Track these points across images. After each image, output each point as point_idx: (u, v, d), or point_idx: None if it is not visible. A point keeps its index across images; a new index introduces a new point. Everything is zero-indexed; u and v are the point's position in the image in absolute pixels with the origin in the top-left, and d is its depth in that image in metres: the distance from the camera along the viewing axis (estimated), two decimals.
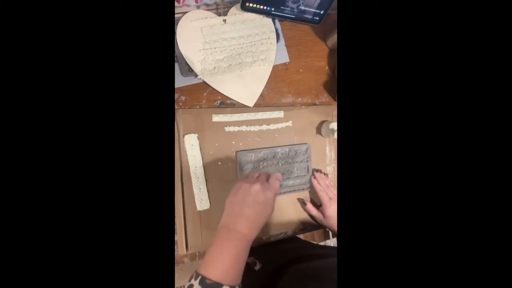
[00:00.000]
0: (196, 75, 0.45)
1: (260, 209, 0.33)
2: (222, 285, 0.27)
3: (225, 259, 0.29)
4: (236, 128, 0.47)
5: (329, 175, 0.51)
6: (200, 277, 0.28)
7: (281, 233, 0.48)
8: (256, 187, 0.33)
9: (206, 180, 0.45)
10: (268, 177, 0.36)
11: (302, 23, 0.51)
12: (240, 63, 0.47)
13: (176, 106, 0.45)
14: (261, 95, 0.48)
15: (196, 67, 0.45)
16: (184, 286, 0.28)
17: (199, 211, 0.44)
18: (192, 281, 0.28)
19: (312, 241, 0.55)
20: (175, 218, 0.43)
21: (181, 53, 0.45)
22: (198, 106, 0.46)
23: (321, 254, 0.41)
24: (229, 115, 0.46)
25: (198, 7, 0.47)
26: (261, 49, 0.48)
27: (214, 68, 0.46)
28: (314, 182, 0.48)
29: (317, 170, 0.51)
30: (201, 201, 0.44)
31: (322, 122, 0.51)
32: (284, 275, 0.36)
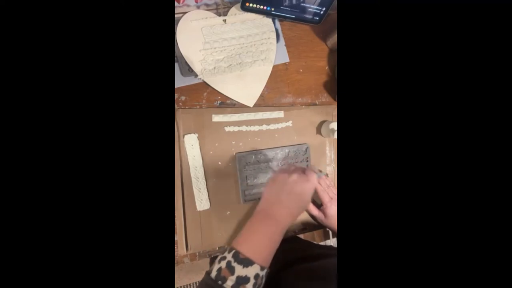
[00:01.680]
0: (196, 75, 0.45)
1: (296, 199, 0.33)
2: (254, 262, 0.28)
3: (260, 240, 0.30)
4: (236, 128, 0.47)
5: (329, 175, 0.51)
6: (234, 251, 0.29)
7: None
8: (294, 177, 0.34)
9: (206, 180, 0.45)
10: (304, 170, 0.37)
11: (302, 23, 0.51)
12: (240, 63, 0.47)
13: (176, 106, 0.45)
14: (261, 95, 0.48)
15: (196, 67, 0.45)
16: (217, 257, 0.30)
17: (199, 211, 0.44)
18: (226, 254, 0.29)
19: (312, 241, 0.55)
20: (175, 218, 0.43)
21: (181, 53, 0.45)
22: (198, 106, 0.46)
23: (323, 254, 0.42)
24: (229, 115, 0.46)
25: (198, 7, 0.47)
26: (261, 49, 0.48)
27: (214, 68, 0.46)
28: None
29: (319, 171, 0.51)
30: (201, 201, 0.44)
31: (322, 122, 0.51)
32: (286, 275, 0.36)
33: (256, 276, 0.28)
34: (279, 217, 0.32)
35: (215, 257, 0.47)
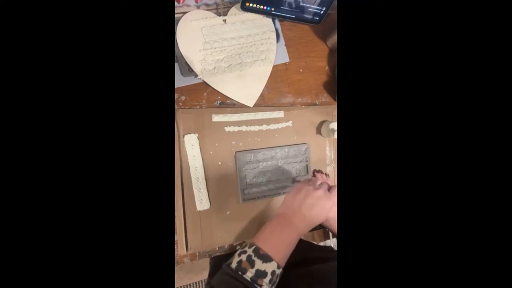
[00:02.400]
0: (196, 75, 0.45)
1: (316, 213, 0.35)
2: (272, 259, 0.30)
3: (279, 241, 0.32)
4: (236, 128, 0.47)
5: (329, 175, 0.51)
6: (255, 246, 0.31)
7: None
8: (320, 193, 0.35)
9: (206, 180, 0.45)
10: (329, 187, 0.38)
11: (302, 23, 0.51)
12: (240, 63, 0.47)
13: (176, 106, 0.45)
14: (261, 95, 0.48)
15: (196, 67, 0.45)
16: (237, 248, 0.32)
17: (199, 211, 0.44)
18: (246, 248, 0.31)
19: (312, 241, 0.55)
20: (175, 218, 0.43)
21: (181, 53, 0.45)
22: (198, 106, 0.46)
23: (323, 257, 0.42)
24: (229, 115, 0.46)
25: (198, 7, 0.47)
26: (261, 49, 0.48)
27: (214, 68, 0.46)
28: None
29: (318, 171, 0.51)
30: (201, 201, 0.44)
31: (322, 122, 0.51)
32: (287, 277, 0.37)
33: (273, 272, 0.29)
34: (298, 224, 0.34)
35: (219, 257, 0.47)
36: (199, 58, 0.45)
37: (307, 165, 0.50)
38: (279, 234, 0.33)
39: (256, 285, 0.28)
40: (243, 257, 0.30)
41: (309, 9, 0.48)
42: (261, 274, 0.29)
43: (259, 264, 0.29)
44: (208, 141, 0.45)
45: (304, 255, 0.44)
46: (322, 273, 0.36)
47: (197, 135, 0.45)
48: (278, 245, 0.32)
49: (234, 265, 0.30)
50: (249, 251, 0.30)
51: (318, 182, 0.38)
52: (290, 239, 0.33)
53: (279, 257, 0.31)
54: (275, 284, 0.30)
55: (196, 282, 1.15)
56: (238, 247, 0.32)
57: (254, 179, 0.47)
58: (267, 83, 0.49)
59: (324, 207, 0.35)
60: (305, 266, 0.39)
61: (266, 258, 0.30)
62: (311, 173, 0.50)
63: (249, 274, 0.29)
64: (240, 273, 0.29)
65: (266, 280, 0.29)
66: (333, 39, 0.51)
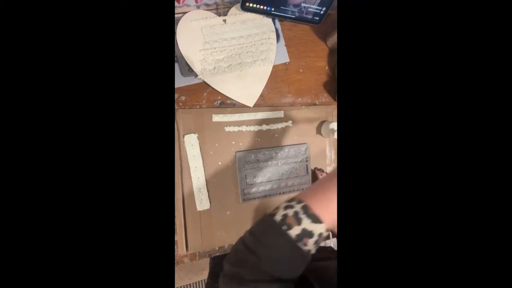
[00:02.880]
0: (196, 75, 0.45)
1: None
2: (322, 221, 0.26)
3: (333, 202, 0.28)
4: (236, 128, 0.47)
5: None
6: (304, 203, 0.27)
7: None
8: None
9: (206, 180, 0.45)
10: None
11: (302, 23, 0.51)
12: (240, 63, 0.47)
13: (176, 106, 0.45)
14: (261, 95, 0.48)
15: (196, 67, 0.45)
16: (280, 205, 0.28)
17: (199, 211, 0.44)
18: (293, 203, 0.27)
19: None
20: (175, 218, 0.43)
21: (181, 53, 0.45)
22: (198, 106, 0.46)
23: (322, 257, 0.42)
24: (229, 115, 0.46)
25: (198, 7, 0.47)
26: (261, 49, 0.48)
27: (214, 68, 0.46)
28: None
29: (319, 170, 0.51)
30: (201, 201, 0.44)
31: (322, 122, 0.51)
32: None
33: (320, 234, 0.26)
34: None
35: (219, 257, 0.44)
36: (199, 58, 0.45)
37: (307, 165, 0.50)
38: (334, 195, 0.28)
39: (300, 243, 0.26)
40: (290, 212, 0.27)
41: (309, 9, 0.48)
42: (307, 234, 0.26)
43: (306, 223, 0.26)
44: (208, 141, 0.45)
45: None
46: (326, 269, 0.36)
47: (197, 135, 0.45)
48: (331, 208, 0.27)
49: (278, 217, 0.27)
50: (297, 207, 0.27)
51: None
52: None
53: (330, 221, 0.27)
54: (319, 244, 0.28)
55: (196, 282, 1.15)
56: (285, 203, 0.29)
57: (254, 179, 0.47)
58: (267, 83, 0.49)
59: None
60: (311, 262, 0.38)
61: (315, 219, 0.26)
62: (311, 173, 0.50)
63: (294, 231, 0.25)
64: (284, 228, 0.26)
65: (312, 240, 0.26)
66: (333, 39, 0.51)
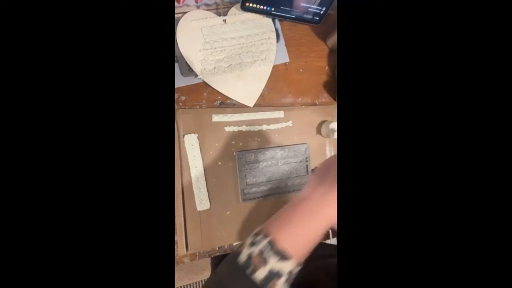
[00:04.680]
0: (196, 75, 0.45)
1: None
2: (292, 257, 0.24)
3: (302, 235, 0.25)
4: (236, 128, 0.47)
5: None
6: (270, 238, 0.24)
7: None
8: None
9: (206, 180, 0.45)
10: None
11: (302, 23, 0.51)
12: (240, 63, 0.47)
13: (176, 106, 0.45)
14: (261, 95, 0.48)
15: (196, 67, 0.45)
16: (245, 242, 0.26)
17: (199, 211, 0.44)
18: (259, 238, 0.25)
19: None
20: (175, 218, 0.43)
21: (181, 53, 0.45)
22: (198, 106, 0.46)
23: (323, 255, 0.42)
24: (229, 115, 0.46)
25: (198, 7, 0.47)
26: (261, 49, 0.48)
27: (214, 68, 0.46)
28: None
29: None
30: (201, 201, 0.44)
31: (322, 122, 0.51)
32: (307, 269, 0.36)
33: (290, 272, 0.24)
34: (329, 213, 0.26)
35: (220, 257, 0.44)
36: (199, 58, 0.45)
37: (307, 165, 0.50)
38: (303, 225, 0.25)
39: None
40: (255, 251, 0.24)
41: (309, 9, 0.48)
42: (274, 275, 0.23)
43: (273, 262, 0.23)
44: (208, 141, 0.45)
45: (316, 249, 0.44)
46: (319, 271, 0.35)
47: (197, 135, 0.45)
48: (300, 240, 0.25)
49: (243, 258, 0.24)
50: (263, 243, 0.24)
51: None
52: (316, 232, 0.26)
53: (300, 255, 0.24)
54: (292, 281, 0.25)
55: (196, 282, 1.15)
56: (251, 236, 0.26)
57: (254, 179, 0.47)
58: (267, 83, 0.49)
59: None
60: (323, 259, 0.37)
61: (283, 256, 0.23)
62: (311, 173, 0.50)
63: (259, 275, 0.23)
64: (248, 272, 0.23)
65: (281, 281, 0.23)
66: (333, 39, 0.51)
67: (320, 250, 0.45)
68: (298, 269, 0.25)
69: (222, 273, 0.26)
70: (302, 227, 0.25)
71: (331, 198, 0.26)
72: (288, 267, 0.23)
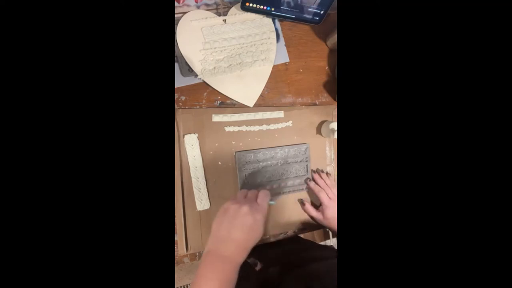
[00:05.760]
0: (196, 75, 0.45)
1: (248, 232, 0.32)
2: None
3: (213, 285, 0.28)
4: (236, 128, 0.47)
5: (330, 174, 0.51)
6: None
7: (281, 233, 0.48)
8: (245, 209, 0.32)
9: (206, 180, 0.45)
10: (256, 196, 0.35)
11: (302, 23, 0.51)
12: (240, 63, 0.47)
13: (176, 106, 0.45)
14: (261, 95, 0.48)
15: (196, 67, 0.45)
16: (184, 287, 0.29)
17: (199, 211, 0.44)
18: None
19: (313, 241, 0.55)
20: (175, 218, 0.43)
21: (181, 53, 0.45)
22: (198, 106, 0.46)
23: (323, 256, 0.42)
24: (229, 115, 0.46)
25: (198, 7, 0.47)
26: (261, 49, 0.48)
27: (214, 68, 0.46)
28: (311, 184, 0.48)
29: (315, 171, 0.51)
30: (201, 201, 0.44)
31: (322, 122, 0.51)
32: (285, 277, 0.36)
33: None
34: (232, 254, 0.30)
35: None
36: (199, 58, 0.45)
37: (307, 165, 0.50)
38: (213, 277, 0.29)
39: None
40: None
41: (309, 9, 0.48)
42: None
43: None
44: (208, 141, 0.45)
45: (300, 254, 0.44)
46: (317, 270, 0.36)
47: (197, 135, 0.45)
48: None
49: None
50: None
51: (244, 195, 0.36)
52: (227, 276, 0.29)
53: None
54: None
55: None
56: None
57: (254, 179, 0.47)
58: (267, 83, 0.49)
59: (255, 222, 0.32)
60: (302, 267, 0.38)
61: None
62: (311, 173, 0.50)
63: None
64: None
65: None
66: (333, 39, 0.51)
67: (319, 252, 0.45)
68: None
69: None
70: (210, 281, 0.29)
71: (230, 241, 0.31)
72: None
